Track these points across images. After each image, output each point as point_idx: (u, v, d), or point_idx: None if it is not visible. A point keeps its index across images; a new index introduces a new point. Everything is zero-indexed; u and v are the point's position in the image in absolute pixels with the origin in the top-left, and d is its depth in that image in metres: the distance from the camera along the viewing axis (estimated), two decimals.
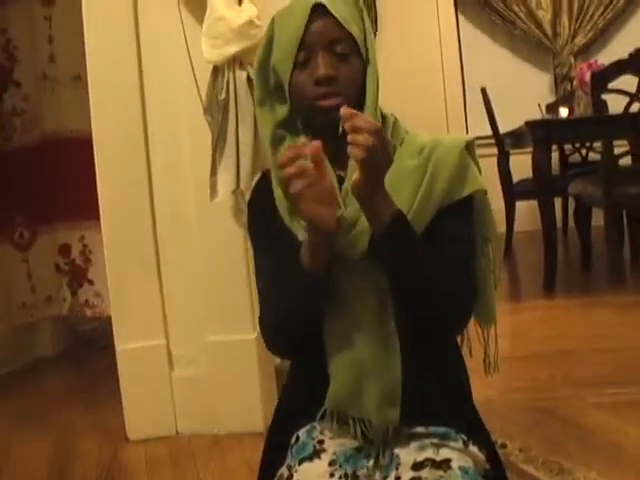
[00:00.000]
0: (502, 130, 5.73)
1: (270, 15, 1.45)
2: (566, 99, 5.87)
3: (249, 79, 2.52)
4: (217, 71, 2.58)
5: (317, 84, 1.35)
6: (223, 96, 2.55)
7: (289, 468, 1.38)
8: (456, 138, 1.43)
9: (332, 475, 1.35)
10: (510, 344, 3.51)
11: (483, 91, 5.78)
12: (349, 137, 1.21)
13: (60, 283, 4.29)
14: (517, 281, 5.35)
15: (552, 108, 5.76)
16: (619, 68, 4.28)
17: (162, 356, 2.89)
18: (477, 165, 1.44)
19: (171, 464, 2.72)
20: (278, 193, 1.42)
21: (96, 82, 2.85)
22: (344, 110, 1.23)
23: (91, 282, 4.23)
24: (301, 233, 1.38)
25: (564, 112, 5.18)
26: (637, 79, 4.32)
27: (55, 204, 4.20)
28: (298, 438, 1.43)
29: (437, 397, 1.42)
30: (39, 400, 3.58)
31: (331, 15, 1.36)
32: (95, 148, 2.87)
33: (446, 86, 7.09)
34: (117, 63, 2.82)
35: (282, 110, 1.44)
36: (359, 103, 1.38)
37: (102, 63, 2.83)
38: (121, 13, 2.79)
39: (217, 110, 2.57)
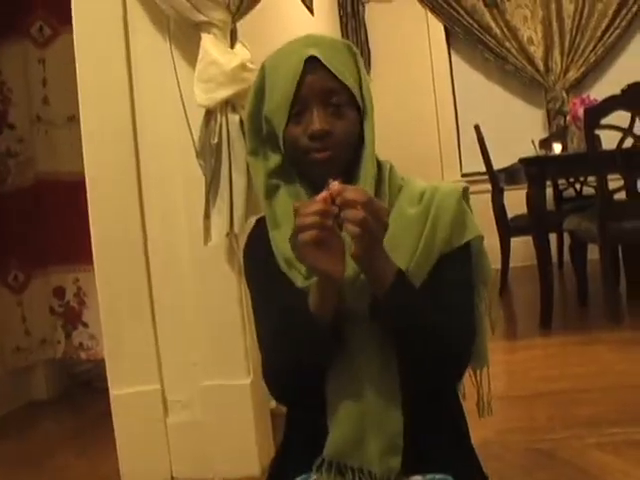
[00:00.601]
0: (496, 166, 5.72)
1: (263, 58, 1.44)
2: (559, 134, 5.88)
3: (242, 123, 2.52)
4: (210, 115, 2.58)
5: (311, 139, 1.35)
6: (216, 140, 2.54)
7: None
8: (453, 185, 1.44)
9: None
10: (507, 384, 3.49)
11: (477, 128, 5.79)
12: (342, 214, 1.21)
13: (54, 326, 4.26)
14: (513, 318, 5.33)
15: (545, 143, 5.77)
16: (612, 104, 4.28)
17: (157, 401, 2.86)
18: (471, 211, 1.45)
19: None
20: (276, 241, 1.41)
21: (89, 125, 2.85)
22: (333, 187, 1.23)
23: (85, 325, 4.20)
24: (300, 280, 1.38)
25: (558, 148, 5.18)
26: (630, 114, 4.33)
27: (49, 246, 4.19)
28: None
29: (435, 444, 1.41)
30: (33, 445, 3.53)
31: (325, 67, 1.35)
32: (88, 190, 2.86)
33: (439, 123, 7.13)
34: (110, 106, 2.82)
35: (275, 158, 1.43)
36: (355, 152, 1.38)
37: (95, 105, 2.83)
38: (114, 56, 2.80)
39: (210, 154, 2.57)
